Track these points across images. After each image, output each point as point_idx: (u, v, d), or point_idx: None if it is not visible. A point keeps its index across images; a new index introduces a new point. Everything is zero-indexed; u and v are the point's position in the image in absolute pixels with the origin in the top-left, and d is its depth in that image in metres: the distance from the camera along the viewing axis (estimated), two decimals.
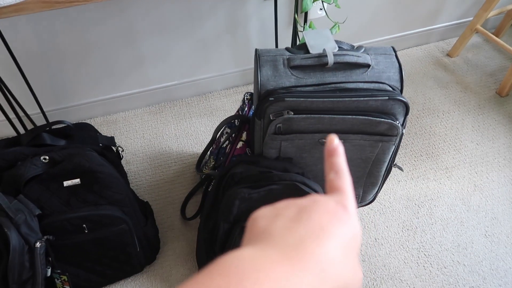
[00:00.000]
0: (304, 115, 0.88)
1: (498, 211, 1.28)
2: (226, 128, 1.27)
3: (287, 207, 0.30)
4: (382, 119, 0.89)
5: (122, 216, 0.99)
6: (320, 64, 0.90)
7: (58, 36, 1.28)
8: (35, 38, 1.26)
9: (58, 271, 1.00)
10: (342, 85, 0.89)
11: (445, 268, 1.16)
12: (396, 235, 1.23)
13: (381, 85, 0.90)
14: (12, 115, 1.22)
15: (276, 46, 1.51)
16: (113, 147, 1.17)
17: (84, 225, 0.97)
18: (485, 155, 1.43)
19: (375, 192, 1.13)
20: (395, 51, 0.96)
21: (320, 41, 0.95)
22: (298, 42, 1.41)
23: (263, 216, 0.31)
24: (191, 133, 1.50)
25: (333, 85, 0.89)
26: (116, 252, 1.03)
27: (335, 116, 0.89)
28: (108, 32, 1.33)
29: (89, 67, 1.40)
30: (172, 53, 1.46)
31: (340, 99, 0.87)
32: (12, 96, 1.23)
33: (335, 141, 0.33)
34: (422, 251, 1.19)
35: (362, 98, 0.87)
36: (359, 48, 0.96)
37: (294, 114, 0.88)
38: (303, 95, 0.87)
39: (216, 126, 1.19)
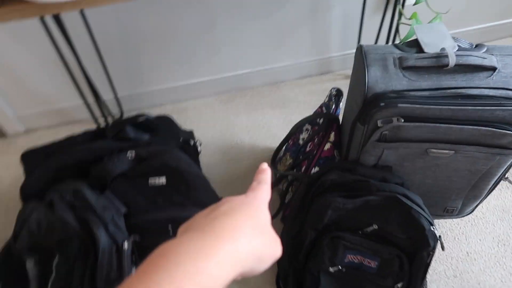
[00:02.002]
0: (417, 123, 0.79)
1: None
2: (307, 125, 1.19)
3: (209, 209, 0.37)
4: (508, 131, 0.78)
5: None
6: (437, 65, 0.79)
7: (138, 21, 1.24)
8: (115, 22, 1.23)
9: None
10: (463, 90, 0.78)
11: None
12: (491, 250, 1.12)
13: (509, 92, 0.78)
14: (90, 100, 1.20)
15: (359, 37, 1.39)
16: (192, 141, 1.13)
17: (170, 227, 0.94)
18: None
19: (476, 205, 1.03)
20: None
21: (435, 38, 0.84)
22: (397, 37, 1.28)
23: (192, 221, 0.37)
24: (262, 125, 1.44)
25: (452, 90, 0.79)
26: None
27: (452, 126, 0.78)
28: (184, 18, 1.27)
29: (165, 53, 1.36)
30: (247, 39, 1.39)
31: (462, 107, 0.76)
32: (89, 81, 1.21)
33: (265, 166, 0.43)
34: None
35: (488, 108, 0.76)
36: (480, 46, 0.84)
37: (405, 122, 0.79)
38: (418, 101, 0.77)
39: (292, 121, 1.11)
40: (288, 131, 1.16)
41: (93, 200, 0.89)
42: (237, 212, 0.35)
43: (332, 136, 1.06)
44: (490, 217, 1.18)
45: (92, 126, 1.24)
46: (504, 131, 0.78)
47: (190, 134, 1.12)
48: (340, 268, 0.96)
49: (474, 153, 0.84)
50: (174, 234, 0.95)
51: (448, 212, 1.04)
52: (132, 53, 1.33)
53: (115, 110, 1.45)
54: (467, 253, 1.12)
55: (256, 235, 0.34)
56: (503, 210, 1.19)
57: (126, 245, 0.89)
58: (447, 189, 0.97)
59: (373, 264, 0.95)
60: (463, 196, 0.99)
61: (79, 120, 1.47)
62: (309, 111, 1.42)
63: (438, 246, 0.89)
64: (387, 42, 1.20)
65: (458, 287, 1.07)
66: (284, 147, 1.28)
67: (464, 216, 1.07)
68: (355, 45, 1.51)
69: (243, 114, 1.48)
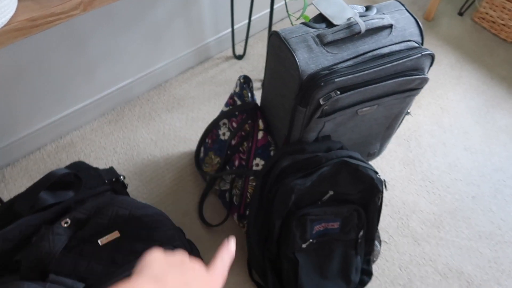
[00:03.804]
0: (351, 92, 0.85)
1: (465, 125, 1.46)
2: (224, 119, 1.16)
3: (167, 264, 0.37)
4: (417, 76, 0.91)
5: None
6: (351, 34, 0.86)
7: None
8: None
9: None
10: (377, 51, 0.87)
11: (448, 187, 1.31)
12: (401, 173, 1.33)
13: (408, 43, 0.90)
14: None
15: (232, 19, 1.38)
16: (116, 178, 0.99)
17: None
18: (438, 78, 1.59)
19: (389, 142, 1.19)
20: (403, 5, 0.96)
21: (337, 9, 0.90)
22: (271, 17, 1.30)
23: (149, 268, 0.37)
24: (167, 133, 1.35)
25: (369, 53, 0.87)
26: None
27: (377, 84, 0.88)
28: (53, 46, 1.05)
29: (24, 92, 1.11)
30: (122, 49, 1.24)
31: (382, 66, 0.86)
32: None
33: (232, 246, 0.44)
34: (426, 180, 1.32)
35: (401, 61, 0.87)
36: (371, 8, 0.94)
37: (341, 93, 0.85)
38: (349, 71, 0.83)
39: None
40: (195, 129, 1.11)
41: None
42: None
43: (261, 124, 1.06)
44: (390, 146, 1.39)
45: None
46: (414, 76, 0.90)
47: (112, 172, 0.97)
48: (311, 241, 1.01)
49: (392, 101, 0.96)
50: None
51: (371, 156, 1.19)
52: None
53: None
54: (387, 182, 1.31)
55: None
56: (397, 137, 1.42)
57: None
58: (368, 137, 1.10)
59: (336, 225, 1.03)
60: (380, 138, 1.13)
61: None
62: (206, 103, 1.39)
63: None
64: (270, 18, 1.23)
65: (391, 213, 1.25)
66: (202, 148, 1.23)
67: (380, 154, 1.23)
68: (228, 26, 1.50)
69: (141, 128, 1.35)
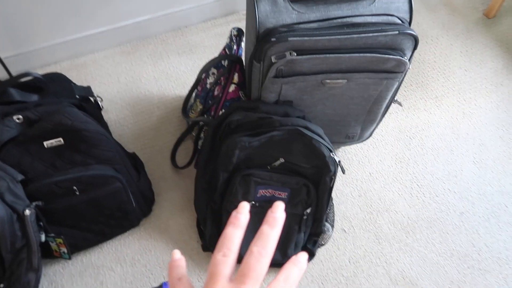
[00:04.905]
0: (309, 56, 0.81)
1: (485, 137, 1.31)
2: (213, 69, 1.17)
3: None
4: (391, 56, 0.83)
5: (115, 175, 0.92)
6: None
7: None
8: None
9: (52, 235, 0.95)
10: (348, 19, 0.81)
11: (437, 196, 1.20)
12: (390, 168, 1.24)
13: (389, 17, 0.82)
14: None
15: None
16: (91, 98, 1.06)
17: (75, 187, 0.90)
18: (473, 81, 1.42)
19: (373, 128, 1.11)
20: None
21: None
22: None
23: None
24: (171, 74, 1.39)
25: (339, 20, 0.81)
26: (111, 211, 0.99)
27: (341, 55, 0.82)
28: None
29: (47, 4, 1.22)
30: None
31: (348, 36, 0.80)
32: None
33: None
34: (414, 182, 1.22)
35: (371, 34, 0.80)
36: None
37: (297, 55, 0.81)
38: (308, 33, 0.79)
39: (201, 66, 1.09)
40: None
41: None
42: None
43: (236, 78, 1.05)
44: (389, 139, 1.29)
45: None
46: (387, 55, 0.83)
47: (87, 90, 1.04)
48: (254, 203, 1.00)
49: (364, 80, 0.89)
50: (82, 193, 0.91)
51: (350, 138, 1.12)
52: (8, 7, 1.17)
53: (2, 74, 1.30)
54: (369, 173, 1.23)
55: None
56: (399, 130, 1.31)
57: (28, 212, 0.84)
58: (346, 117, 1.04)
59: (283, 195, 1.00)
60: (361, 121, 1.06)
61: None
62: (216, 55, 1.39)
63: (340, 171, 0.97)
64: None
65: (362, 205, 1.18)
66: (194, 94, 1.26)
67: (365, 140, 1.16)
68: None
69: (149, 64, 1.41)
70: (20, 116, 0.87)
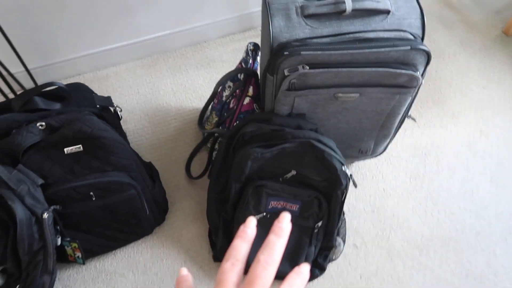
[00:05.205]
0: (321, 69, 0.82)
1: (503, 156, 1.28)
2: (229, 82, 1.20)
3: None
4: (403, 71, 0.84)
5: (131, 182, 0.95)
6: (336, 11, 0.82)
7: None
8: None
9: (68, 239, 0.97)
10: (361, 34, 0.82)
11: (452, 214, 1.18)
12: (404, 185, 1.23)
13: (402, 33, 0.83)
14: None
15: None
16: (111, 107, 1.10)
17: (92, 193, 0.93)
18: (491, 99, 1.41)
19: (387, 144, 1.11)
20: None
21: None
22: None
23: None
24: (188, 87, 1.43)
25: (351, 35, 0.83)
26: (126, 217, 1.01)
27: (353, 69, 0.83)
28: None
29: (71, 19, 1.28)
30: (162, 0, 1.34)
31: (360, 50, 0.81)
32: None
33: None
34: (429, 199, 1.20)
35: (383, 49, 0.81)
36: None
37: (310, 69, 0.82)
38: (320, 47, 0.81)
39: (218, 80, 1.12)
40: None
41: (4, 175, 0.85)
42: None
43: (250, 90, 1.08)
44: (404, 155, 1.29)
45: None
46: (399, 70, 0.83)
47: (107, 100, 1.08)
48: (265, 214, 1.01)
49: (377, 94, 0.90)
50: (98, 199, 0.94)
51: (363, 153, 1.12)
52: (33, 23, 1.24)
53: (29, 84, 1.36)
54: (383, 189, 1.22)
55: None
56: (415, 147, 1.30)
57: (46, 215, 0.87)
58: (359, 131, 1.04)
59: (295, 207, 1.01)
60: (374, 136, 1.06)
61: None
62: (233, 69, 1.42)
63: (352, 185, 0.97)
64: None
65: (375, 221, 1.17)
66: (210, 107, 1.28)
67: (378, 155, 1.16)
68: None
69: (167, 77, 1.45)
70: (43, 123, 0.91)
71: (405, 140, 1.31)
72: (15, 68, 1.28)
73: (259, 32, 1.57)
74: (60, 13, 1.25)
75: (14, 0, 1.16)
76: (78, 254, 1.01)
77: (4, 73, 1.17)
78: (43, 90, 0.98)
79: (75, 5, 1.24)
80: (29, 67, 1.30)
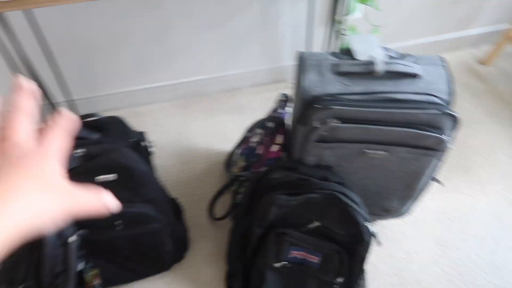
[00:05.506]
0: (350, 125, 0.85)
1: None
2: (258, 129, 1.24)
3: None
4: (431, 133, 0.86)
5: (156, 215, 0.97)
6: (368, 71, 0.87)
7: (88, 26, 1.27)
8: (66, 27, 1.25)
9: (91, 264, 0.99)
10: (391, 95, 0.86)
11: (478, 286, 1.13)
12: (428, 250, 1.20)
13: (430, 97, 0.86)
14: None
15: (308, 47, 1.47)
16: (144, 142, 1.15)
17: (118, 222, 0.95)
18: None
19: (411, 204, 1.10)
20: (443, 62, 0.92)
21: (366, 47, 0.92)
22: (338, 45, 1.37)
23: None
24: (218, 130, 1.48)
25: (381, 94, 0.86)
26: (147, 250, 1.02)
27: (382, 127, 0.85)
28: (139, 24, 1.31)
29: (118, 58, 1.39)
30: (201, 48, 1.44)
31: (389, 110, 0.84)
32: (40, 84, 1.22)
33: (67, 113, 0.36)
34: (455, 268, 1.16)
35: (412, 111, 0.84)
36: (407, 56, 0.93)
37: (340, 123, 0.85)
38: (351, 103, 0.84)
39: (247, 126, 1.16)
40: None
41: None
42: (12, 173, 0.30)
43: (279, 139, 1.11)
44: (429, 219, 1.26)
45: None
46: (427, 132, 0.85)
47: (141, 135, 1.14)
48: (285, 263, 1.00)
49: (404, 154, 0.92)
50: (123, 228, 0.96)
51: (387, 212, 1.11)
52: (86, 57, 1.35)
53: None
54: (407, 252, 1.19)
55: (40, 193, 0.30)
56: (441, 212, 1.28)
57: (72, 239, 0.89)
58: (384, 189, 1.04)
59: (316, 259, 1.00)
60: (399, 195, 1.06)
61: None
62: (263, 117, 1.47)
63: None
64: None
65: (396, 285, 1.13)
66: (238, 151, 1.32)
67: (402, 215, 1.14)
68: None
69: (199, 119, 1.51)
70: (82, 151, 0.96)
71: (430, 204, 1.30)
72: (60, 97, 1.38)
73: (290, 85, 1.64)
74: (109, 51, 1.35)
75: (67, 35, 1.27)
76: (98, 281, 1.01)
77: (46, 102, 1.26)
78: (84, 120, 1.05)
79: (124, 45, 1.35)
80: (74, 97, 1.39)
